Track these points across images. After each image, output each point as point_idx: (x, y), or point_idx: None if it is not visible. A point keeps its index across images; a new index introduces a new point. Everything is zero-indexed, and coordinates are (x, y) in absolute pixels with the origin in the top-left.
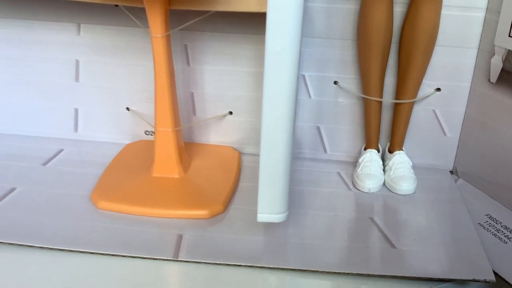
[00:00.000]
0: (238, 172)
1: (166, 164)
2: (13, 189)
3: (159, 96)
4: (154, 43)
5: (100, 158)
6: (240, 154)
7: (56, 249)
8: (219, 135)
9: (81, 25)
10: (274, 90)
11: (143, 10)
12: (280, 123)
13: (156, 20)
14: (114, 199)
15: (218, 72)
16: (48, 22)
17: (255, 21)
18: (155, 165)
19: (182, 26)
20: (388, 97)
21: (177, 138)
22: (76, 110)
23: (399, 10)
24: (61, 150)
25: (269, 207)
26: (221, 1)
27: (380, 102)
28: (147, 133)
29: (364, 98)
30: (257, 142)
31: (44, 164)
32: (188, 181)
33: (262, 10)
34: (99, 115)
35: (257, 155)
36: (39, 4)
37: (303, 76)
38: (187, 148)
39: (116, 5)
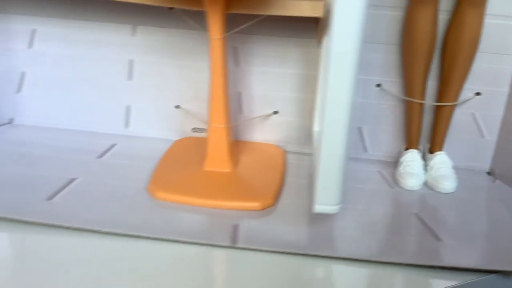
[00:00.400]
0: (284, 168)
1: (218, 158)
2: (73, 179)
3: (214, 94)
4: (212, 44)
5: (150, 152)
6: (285, 151)
7: (122, 234)
8: (263, 133)
9: (137, 26)
10: (338, 88)
11: (197, 13)
12: (341, 119)
13: (216, 23)
14: (171, 190)
15: (265, 73)
16: (106, 23)
17: (303, 26)
18: (208, 160)
19: (238, 29)
20: (429, 100)
21: (229, 135)
22: (128, 108)
23: (443, 17)
24: (113, 145)
25: (326, 199)
26: (276, 5)
27: (422, 105)
28: (195, 130)
29: (407, 100)
30: (300, 140)
31: (99, 157)
32: (238, 175)
33: (314, 15)
34: (149, 112)
35: (301, 153)
36: (97, 6)
37: None
38: (234, 144)
39: (171, 8)
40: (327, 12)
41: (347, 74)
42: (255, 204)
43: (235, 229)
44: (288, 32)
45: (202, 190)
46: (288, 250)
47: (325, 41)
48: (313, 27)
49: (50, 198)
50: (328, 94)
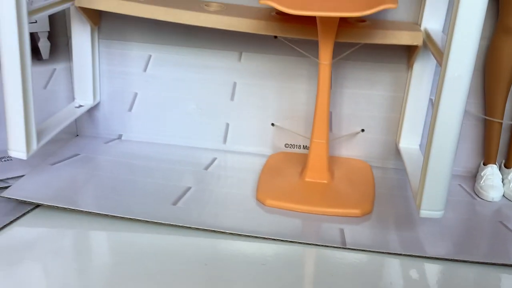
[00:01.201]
0: (373, 180)
1: (318, 170)
2: (189, 188)
3: (318, 113)
4: (321, 69)
5: (249, 165)
6: (370, 166)
7: (244, 235)
8: (348, 149)
9: (243, 53)
10: (450, 106)
11: (299, 41)
12: (450, 132)
13: (326, 50)
14: (279, 198)
15: (355, 95)
16: (214, 50)
17: (393, 52)
18: (308, 171)
19: (343, 55)
20: (506, 119)
21: (328, 149)
22: (227, 125)
23: None
24: (215, 159)
25: (432, 205)
26: (378, 35)
27: (501, 123)
28: (287, 145)
29: (487, 119)
30: (384, 156)
31: (205, 169)
32: (335, 186)
33: (414, 43)
34: (246, 129)
35: (384, 167)
36: (208, 34)
37: (431, 99)
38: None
39: (275, 37)
40: (425, 40)
41: (459, 97)
42: (356, 211)
43: (341, 232)
44: (379, 57)
45: (306, 198)
46: (395, 251)
47: (417, 66)
48: (402, 54)
49: (175, 203)
50: (439, 114)
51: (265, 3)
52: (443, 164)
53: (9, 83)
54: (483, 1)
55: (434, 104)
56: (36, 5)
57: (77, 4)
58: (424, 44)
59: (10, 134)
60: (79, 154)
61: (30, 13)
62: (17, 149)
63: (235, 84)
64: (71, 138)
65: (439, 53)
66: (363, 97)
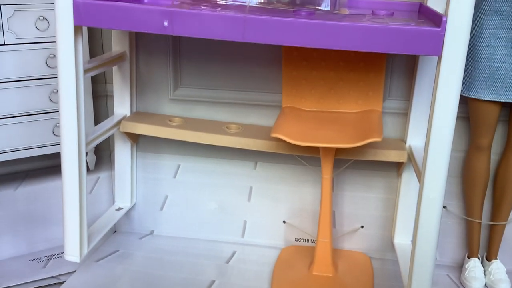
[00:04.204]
0: (373, 272)
1: (323, 265)
2: (213, 282)
3: (323, 216)
4: (324, 181)
5: (265, 258)
6: (370, 258)
7: None
8: (351, 243)
9: (258, 162)
10: (427, 220)
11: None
12: (431, 234)
13: (327, 166)
14: None
15: (354, 197)
16: (233, 160)
17: (385, 163)
18: (315, 266)
19: (341, 169)
20: (484, 219)
21: (331, 247)
22: (245, 222)
23: (493, 158)
24: (235, 252)
25: None
26: (370, 153)
27: (480, 223)
28: (297, 239)
29: (468, 220)
30: (382, 249)
31: (227, 262)
32: (340, 279)
33: (399, 160)
34: (261, 226)
35: (382, 259)
36: (228, 148)
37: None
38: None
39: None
40: (408, 157)
41: (435, 214)
42: None
43: None
44: (373, 167)
45: None
46: None
47: (405, 175)
48: (392, 165)
49: None
50: (420, 224)
51: (276, 136)
52: (425, 269)
53: (68, 197)
54: (447, 145)
55: (415, 217)
56: (91, 136)
57: (122, 129)
58: (409, 158)
59: (67, 242)
60: (118, 251)
61: (88, 143)
62: (72, 254)
63: (251, 188)
64: (110, 234)
65: (419, 172)
66: (361, 199)
